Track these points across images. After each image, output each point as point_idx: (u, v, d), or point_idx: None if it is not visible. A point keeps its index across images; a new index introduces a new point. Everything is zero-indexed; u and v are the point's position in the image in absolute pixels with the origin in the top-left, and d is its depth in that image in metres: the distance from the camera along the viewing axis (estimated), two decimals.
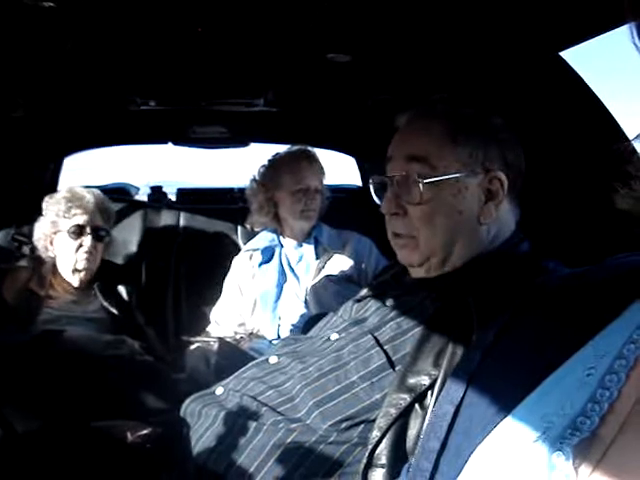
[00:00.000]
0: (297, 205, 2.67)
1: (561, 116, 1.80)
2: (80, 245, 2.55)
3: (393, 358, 1.34)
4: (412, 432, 1.21)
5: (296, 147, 2.82)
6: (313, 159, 2.77)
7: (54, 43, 2.00)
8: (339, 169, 4.36)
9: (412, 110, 1.46)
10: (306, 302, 2.64)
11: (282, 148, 2.87)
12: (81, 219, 2.57)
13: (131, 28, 1.90)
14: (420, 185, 1.33)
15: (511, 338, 0.87)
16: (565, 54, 1.69)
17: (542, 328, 0.80)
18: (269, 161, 2.81)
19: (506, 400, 0.74)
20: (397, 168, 1.39)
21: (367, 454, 1.22)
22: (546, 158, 1.80)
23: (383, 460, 1.20)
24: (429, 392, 1.21)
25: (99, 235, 2.62)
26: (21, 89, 2.60)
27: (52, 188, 3.19)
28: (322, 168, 2.80)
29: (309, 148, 2.83)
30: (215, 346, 2.34)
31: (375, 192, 1.49)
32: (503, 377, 0.80)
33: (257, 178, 2.81)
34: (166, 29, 1.90)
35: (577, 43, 1.64)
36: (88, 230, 2.57)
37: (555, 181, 1.80)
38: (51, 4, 1.60)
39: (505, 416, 0.72)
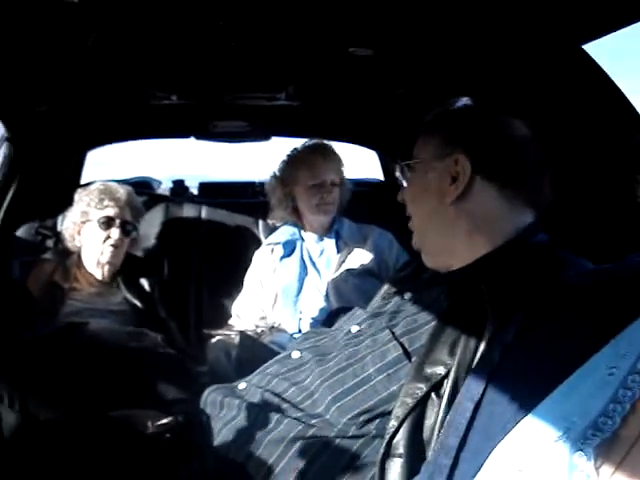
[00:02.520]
0: (313, 199, 2.68)
1: (582, 109, 1.78)
2: (108, 237, 2.59)
3: (409, 350, 1.35)
4: (429, 422, 1.22)
5: (312, 141, 2.83)
6: (329, 153, 2.77)
7: (76, 38, 2.01)
8: (363, 163, 4.33)
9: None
10: (327, 296, 2.64)
11: (303, 142, 2.87)
12: (112, 211, 2.61)
13: (152, 22, 1.90)
14: (398, 170, 1.50)
15: (532, 336, 0.86)
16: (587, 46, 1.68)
17: (563, 326, 0.80)
18: (287, 156, 2.82)
19: (527, 398, 0.73)
20: None
21: (384, 444, 1.22)
22: (567, 151, 1.78)
23: (400, 450, 1.21)
24: (445, 381, 1.22)
25: (127, 229, 2.66)
26: (44, 84, 2.62)
27: (75, 182, 3.23)
28: (340, 161, 2.79)
29: (325, 142, 2.84)
30: (236, 339, 2.35)
31: None
32: (524, 375, 0.80)
33: (277, 173, 2.82)
34: (187, 23, 1.91)
35: (600, 36, 1.62)
36: (117, 223, 2.61)
37: (576, 175, 1.79)
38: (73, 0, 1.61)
39: (526, 415, 0.71)
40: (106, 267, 2.60)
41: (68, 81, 2.62)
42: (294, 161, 2.77)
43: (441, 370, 1.22)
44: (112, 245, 2.59)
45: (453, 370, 1.21)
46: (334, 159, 2.77)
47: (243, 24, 1.92)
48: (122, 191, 2.68)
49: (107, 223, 2.59)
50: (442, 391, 1.22)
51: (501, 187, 1.36)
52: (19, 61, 2.24)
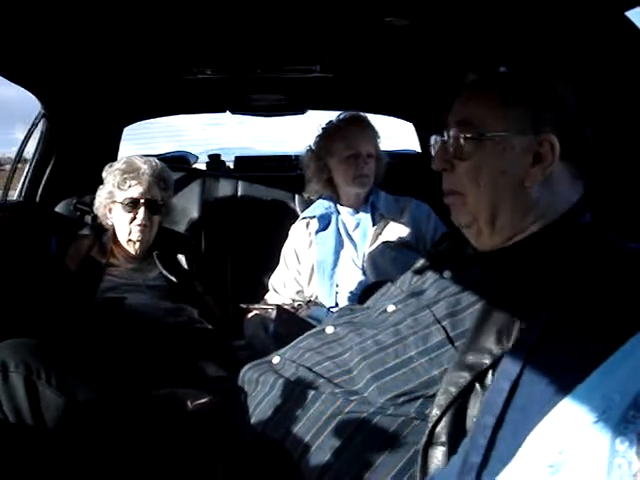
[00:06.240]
0: (349, 171, 2.65)
1: (625, 78, 1.73)
2: (134, 217, 2.56)
3: (452, 334, 1.32)
4: (472, 411, 1.19)
5: (348, 113, 2.79)
6: (365, 124, 2.74)
7: (110, 14, 2.01)
8: (402, 135, 4.30)
9: (472, 78, 1.45)
10: (363, 269, 2.63)
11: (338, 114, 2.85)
12: (135, 192, 2.57)
13: None
14: (461, 140, 1.34)
15: (572, 314, 0.84)
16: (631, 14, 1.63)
17: (606, 304, 0.78)
18: (322, 129, 2.79)
19: (567, 379, 0.71)
20: (449, 131, 1.39)
21: (427, 432, 1.21)
22: (608, 121, 1.74)
23: (443, 438, 1.19)
24: (490, 371, 1.19)
25: (154, 207, 2.61)
26: (79, 61, 2.63)
27: (112, 158, 3.25)
28: (376, 133, 2.76)
29: (361, 113, 2.80)
30: (273, 313, 2.35)
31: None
32: (564, 355, 0.78)
33: (312, 147, 2.80)
34: None
35: None
36: (142, 202, 2.57)
37: (621, 150, 1.74)
38: None
39: (565, 395, 0.70)
40: (137, 245, 2.59)
41: (103, 57, 2.62)
42: (329, 133, 2.75)
43: (487, 359, 1.18)
44: (139, 225, 2.56)
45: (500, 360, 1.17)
46: (370, 131, 2.74)
47: None
48: (144, 167, 2.60)
49: (132, 204, 2.56)
50: (487, 382, 1.18)
51: (574, 166, 1.32)
52: (54, 38, 2.25)
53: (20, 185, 3.24)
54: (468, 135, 1.34)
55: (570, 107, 1.33)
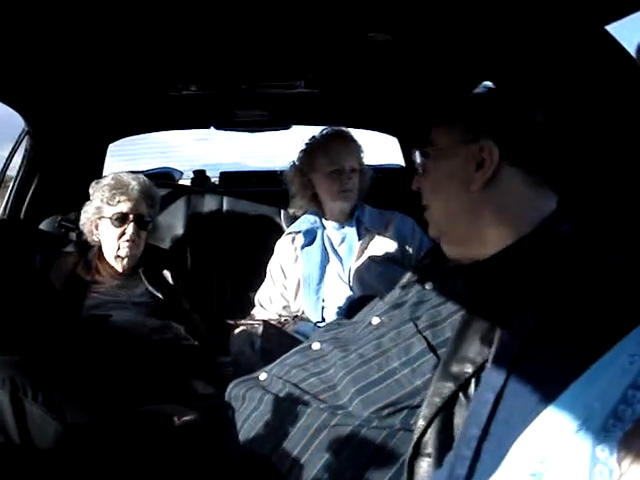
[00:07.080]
0: (333, 186, 2.66)
1: (605, 92, 1.75)
2: (123, 233, 2.56)
3: (433, 343, 1.34)
4: (458, 421, 1.19)
5: (330, 128, 2.81)
6: (347, 139, 2.75)
7: (95, 31, 2.02)
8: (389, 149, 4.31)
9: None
10: (349, 284, 2.63)
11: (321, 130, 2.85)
12: (125, 207, 2.57)
13: (170, 14, 1.90)
14: (417, 157, 1.48)
15: (553, 325, 0.85)
16: (611, 28, 1.64)
17: (585, 316, 0.78)
18: (306, 145, 2.80)
19: (548, 389, 0.72)
20: None
21: (413, 444, 1.21)
22: (589, 135, 1.75)
23: (429, 449, 1.19)
24: (472, 380, 1.20)
25: (142, 223, 2.62)
26: (63, 78, 2.63)
27: (97, 175, 3.24)
28: (359, 148, 2.77)
29: (344, 128, 2.82)
30: (260, 329, 2.35)
31: None
32: (545, 365, 0.78)
33: (296, 163, 2.81)
34: (205, 14, 1.90)
35: (624, 16, 1.59)
36: (131, 218, 2.57)
37: (600, 161, 1.75)
38: None
39: (547, 405, 0.70)
40: (125, 260, 2.59)
41: (87, 74, 2.62)
42: (312, 148, 2.75)
43: (469, 369, 1.20)
44: (128, 240, 2.56)
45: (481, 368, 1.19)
46: (353, 146, 2.74)
47: (260, 12, 1.91)
48: (134, 183, 2.62)
49: (121, 219, 2.56)
50: (470, 391, 1.19)
51: (527, 173, 1.33)
52: (38, 55, 2.25)
53: (4, 202, 3.22)
54: (424, 152, 1.45)
55: (509, 114, 1.38)
